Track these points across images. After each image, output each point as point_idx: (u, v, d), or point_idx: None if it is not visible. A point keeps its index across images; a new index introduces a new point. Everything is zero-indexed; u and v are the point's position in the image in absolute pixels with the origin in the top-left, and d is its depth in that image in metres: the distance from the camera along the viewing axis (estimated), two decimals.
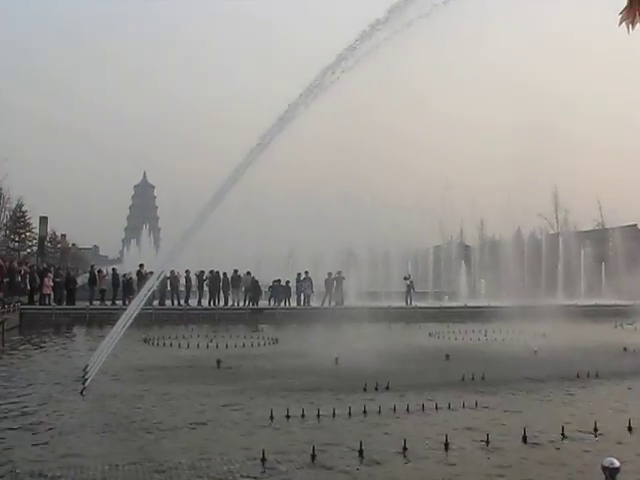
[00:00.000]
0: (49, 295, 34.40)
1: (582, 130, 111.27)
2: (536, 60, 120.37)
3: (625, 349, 21.00)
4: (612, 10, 3.77)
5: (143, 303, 16.25)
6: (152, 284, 16.92)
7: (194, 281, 37.60)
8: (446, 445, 9.45)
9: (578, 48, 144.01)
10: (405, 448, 9.22)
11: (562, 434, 10.10)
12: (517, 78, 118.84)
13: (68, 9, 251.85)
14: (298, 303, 37.72)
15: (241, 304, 36.92)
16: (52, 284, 34.66)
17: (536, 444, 9.76)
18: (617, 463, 6.59)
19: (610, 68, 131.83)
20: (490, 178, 61.00)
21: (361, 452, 9.03)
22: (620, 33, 3.73)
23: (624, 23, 3.75)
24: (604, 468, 6.71)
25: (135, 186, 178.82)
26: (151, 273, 30.08)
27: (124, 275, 36.30)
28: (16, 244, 65.21)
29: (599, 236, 58.92)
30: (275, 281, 38.12)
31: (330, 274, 38.40)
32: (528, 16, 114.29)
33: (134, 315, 15.52)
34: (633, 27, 3.76)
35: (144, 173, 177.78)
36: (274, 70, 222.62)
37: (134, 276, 35.50)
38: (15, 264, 36.47)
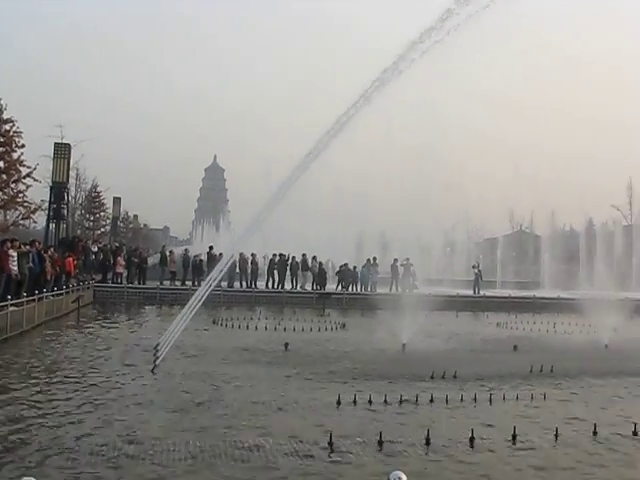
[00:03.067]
0: (121, 274, 35.17)
1: None
2: None
3: None
4: None
5: (214, 285, 16.45)
6: (223, 266, 17.09)
7: (261, 264, 37.86)
8: (514, 437, 9.36)
9: None
10: (472, 438, 9.16)
11: (634, 432, 9.88)
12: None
13: None
14: (365, 289, 37.71)
15: (308, 288, 37.04)
16: (124, 263, 35.42)
17: (607, 440, 9.58)
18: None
19: None
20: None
21: (428, 441, 9.02)
22: None
23: None
24: None
25: (206, 169, 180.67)
26: (220, 255, 30.48)
27: (194, 256, 36.79)
28: (91, 223, 66.96)
29: None
30: (342, 266, 38.16)
31: (396, 260, 38.22)
32: None
33: (204, 296, 15.74)
34: None
35: (214, 156, 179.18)
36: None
37: (204, 257, 35.99)
38: (89, 243, 37.41)
